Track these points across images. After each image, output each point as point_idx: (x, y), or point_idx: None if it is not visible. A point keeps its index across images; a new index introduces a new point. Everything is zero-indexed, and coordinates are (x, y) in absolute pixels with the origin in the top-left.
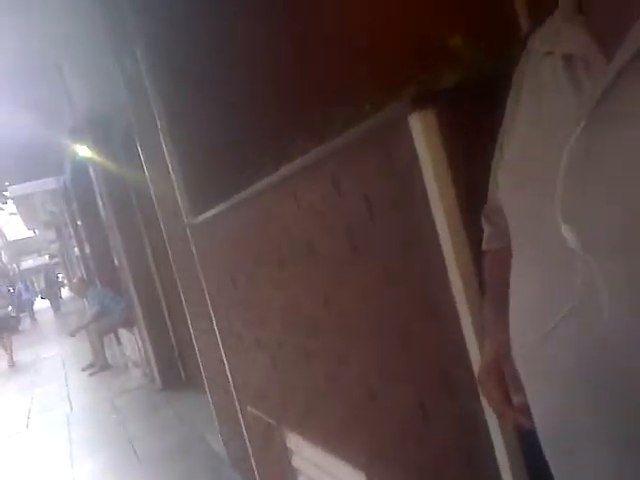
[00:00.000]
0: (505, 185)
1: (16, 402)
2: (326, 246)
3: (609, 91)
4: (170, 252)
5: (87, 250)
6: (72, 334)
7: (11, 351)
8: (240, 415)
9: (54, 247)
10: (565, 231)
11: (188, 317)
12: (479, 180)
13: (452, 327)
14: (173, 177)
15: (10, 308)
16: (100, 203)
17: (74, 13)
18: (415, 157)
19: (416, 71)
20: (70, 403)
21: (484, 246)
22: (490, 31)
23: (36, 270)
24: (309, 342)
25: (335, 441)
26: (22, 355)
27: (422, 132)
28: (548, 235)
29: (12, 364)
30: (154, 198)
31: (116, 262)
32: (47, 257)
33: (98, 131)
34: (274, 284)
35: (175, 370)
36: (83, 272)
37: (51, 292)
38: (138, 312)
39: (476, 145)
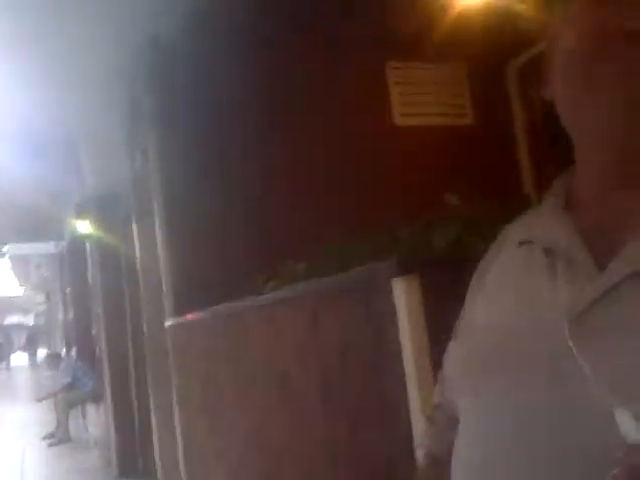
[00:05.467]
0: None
1: None
2: (300, 381)
3: (597, 303)
4: (146, 342)
5: (70, 317)
6: (39, 400)
7: None
8: None
9: (41, 309)
10: (620, 415)
11: (152, 410)
12: None
13: None
14: (162, 272)
15: None
16: (89, 277)
17: (96, 96)
18: (393, 316)
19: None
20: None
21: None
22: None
23: (18, 327)
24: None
25: None
26: None
27: (404, 295)
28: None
29: None
30: (141, 286)
31: (94, 332)
32: (32, 317)
33: (101, 211)
34: (242, 405)
35: (133, 458)
36: (62, 339)
37: (31, 348)
38: (107, 390)
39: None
